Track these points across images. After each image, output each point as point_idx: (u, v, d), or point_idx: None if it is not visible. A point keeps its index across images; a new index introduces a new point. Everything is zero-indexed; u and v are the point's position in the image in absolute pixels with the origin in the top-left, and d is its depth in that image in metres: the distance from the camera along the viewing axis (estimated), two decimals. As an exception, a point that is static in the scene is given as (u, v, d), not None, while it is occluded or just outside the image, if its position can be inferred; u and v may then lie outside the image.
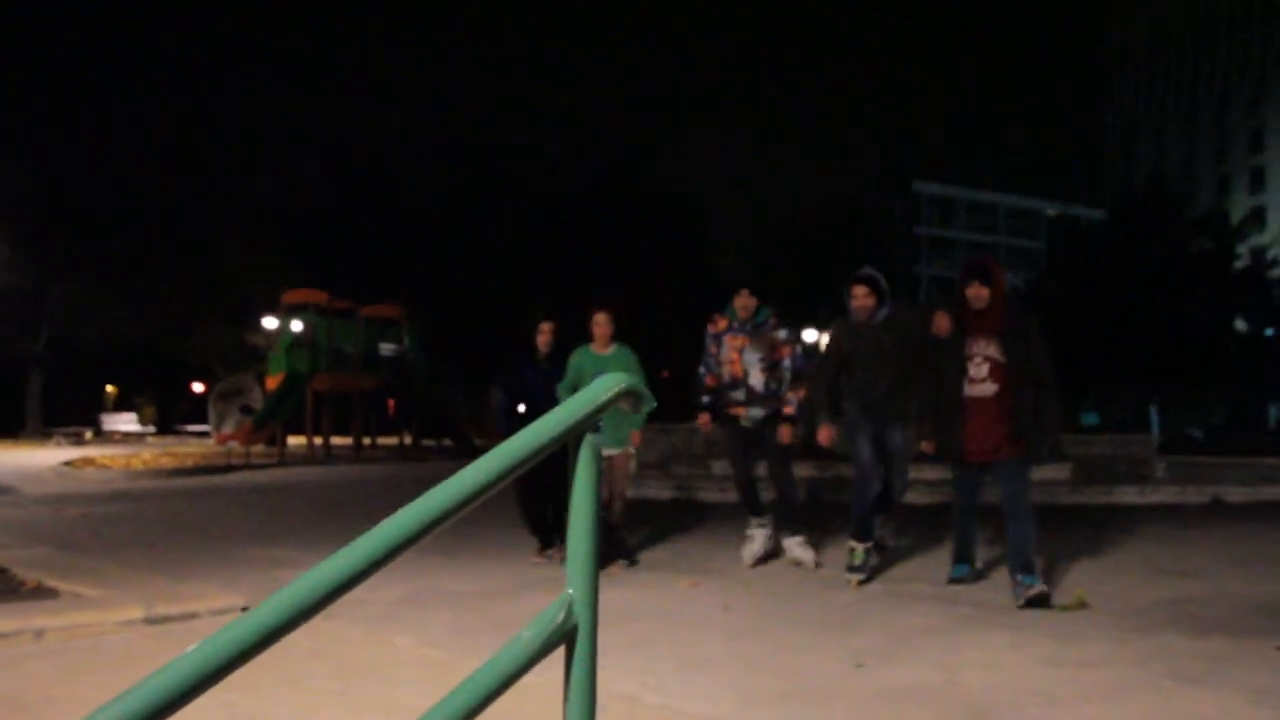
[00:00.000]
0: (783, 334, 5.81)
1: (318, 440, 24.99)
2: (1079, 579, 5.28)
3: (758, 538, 5.96)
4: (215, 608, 4.39)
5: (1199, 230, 37.96)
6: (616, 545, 6.02)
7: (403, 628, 4.22)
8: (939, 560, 5.76)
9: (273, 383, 24.20)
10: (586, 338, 6.14)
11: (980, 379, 4.81)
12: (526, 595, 5.08)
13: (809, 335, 22.59)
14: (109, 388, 52.12)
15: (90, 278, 35.55)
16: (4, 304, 33.69)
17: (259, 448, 22.00)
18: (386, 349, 26.78)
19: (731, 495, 7.65)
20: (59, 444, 29.68)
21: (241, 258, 38.30)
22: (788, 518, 5.92)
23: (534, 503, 6.18)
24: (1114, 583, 5.25)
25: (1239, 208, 58.82)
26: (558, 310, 6.59)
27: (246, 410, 24.42)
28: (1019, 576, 4.65)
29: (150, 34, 62.64)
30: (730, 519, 7.71)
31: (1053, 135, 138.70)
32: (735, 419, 5.83)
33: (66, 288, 35.94)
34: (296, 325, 24.42)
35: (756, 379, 5.75)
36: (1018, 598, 4.59)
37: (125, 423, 44.84)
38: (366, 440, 26.17)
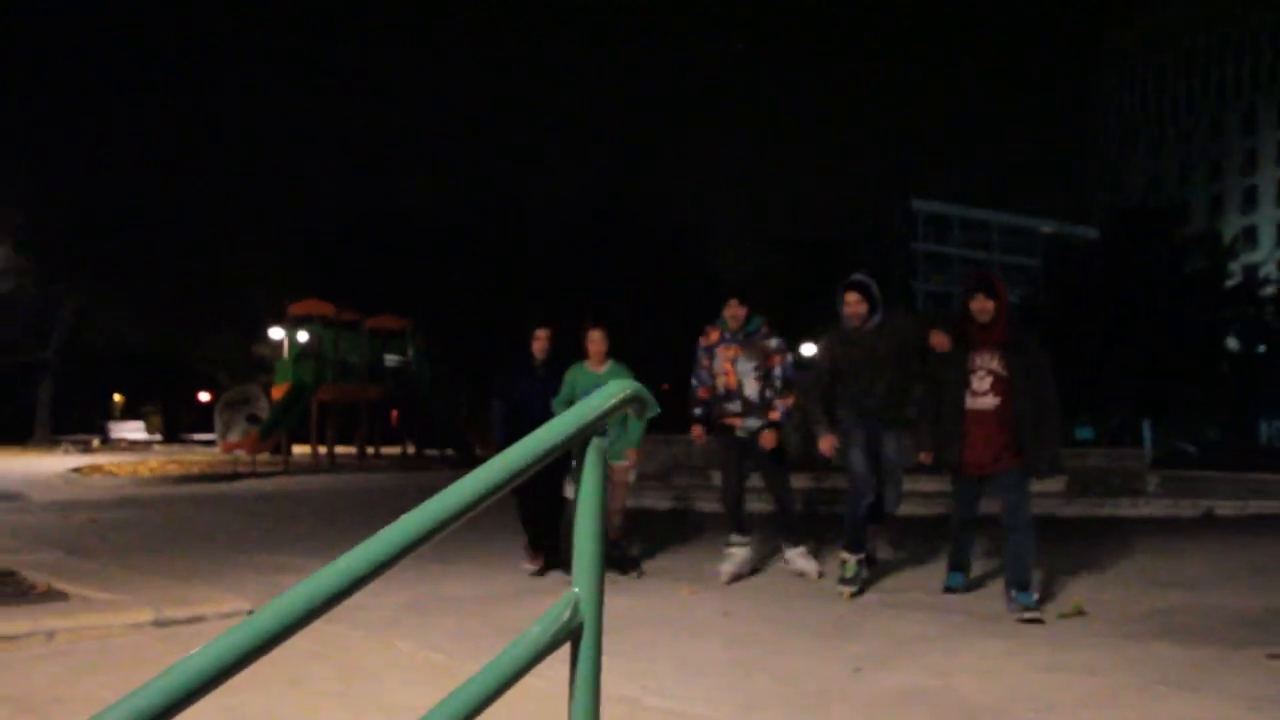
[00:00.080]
0: (774, 342, 5.77)
1: (322, 449, 25.09)
2: (1075, 589, 5.32)
3: (736, 555, 5.79)
4: (221, 611, 4.44)
5: (1192, 248, 38.17)
6: (618, 558, 5.96)
7: (405, 632, 4.25)
8: (934, 570, 5.80)
9: (278, 392, 24.35)
10: (582, 347, 6.13)
11: (982, 392, 4.84)
12: (529, 600, 5.12)
13: (807, 349, 22.42)
14: (116, 396, 52.26)
15: (90, 278, 35.50)
16: (13, 310, 33.79)
17: (264, 456, 22.10)
18: (391, 360, 26.88)
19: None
20: (67, 451, 29.75)
21: (242, 259, 38.36)
22: (788, 528, 5.91)
23: (535, 511, 6.19)
24: (1109, 592, 5.29)
25: (1230, 227, 59.28)
26: (556, 315, 6.58)
27: (253, 419, 24.57)
28: (1013, 593, 4.66)
29: (150, 34, 62.85)
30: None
31: (1051, 136, 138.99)
32: (730, 429, 5.80)
33: (69, 289, 35.94)
34: (303, 336, 24.56)
35: (751, 389, 5.72)
36: (1011, 613, 4.62)
37: (132, 431, 44.87)
38: (370, 449, 26.26)
